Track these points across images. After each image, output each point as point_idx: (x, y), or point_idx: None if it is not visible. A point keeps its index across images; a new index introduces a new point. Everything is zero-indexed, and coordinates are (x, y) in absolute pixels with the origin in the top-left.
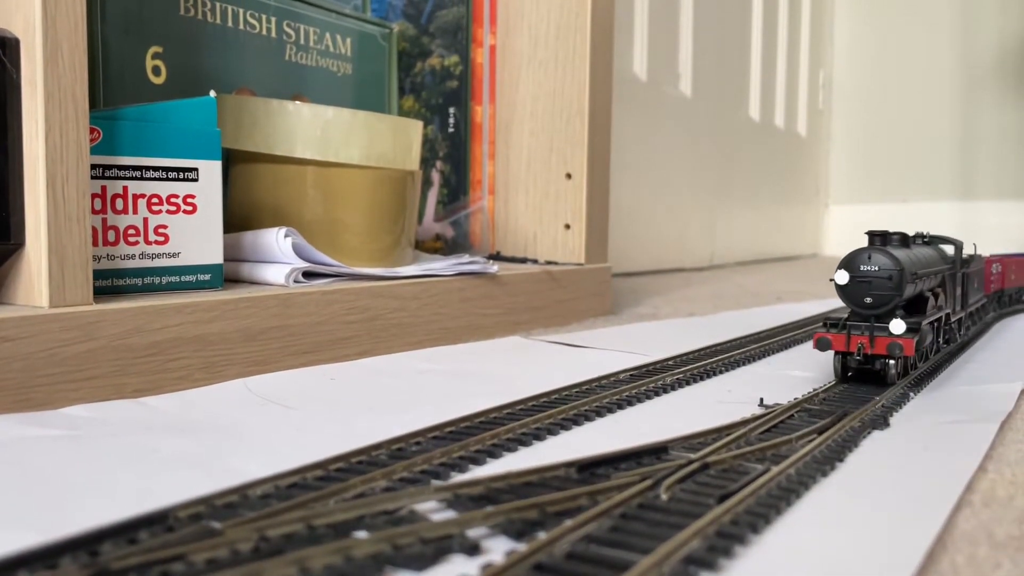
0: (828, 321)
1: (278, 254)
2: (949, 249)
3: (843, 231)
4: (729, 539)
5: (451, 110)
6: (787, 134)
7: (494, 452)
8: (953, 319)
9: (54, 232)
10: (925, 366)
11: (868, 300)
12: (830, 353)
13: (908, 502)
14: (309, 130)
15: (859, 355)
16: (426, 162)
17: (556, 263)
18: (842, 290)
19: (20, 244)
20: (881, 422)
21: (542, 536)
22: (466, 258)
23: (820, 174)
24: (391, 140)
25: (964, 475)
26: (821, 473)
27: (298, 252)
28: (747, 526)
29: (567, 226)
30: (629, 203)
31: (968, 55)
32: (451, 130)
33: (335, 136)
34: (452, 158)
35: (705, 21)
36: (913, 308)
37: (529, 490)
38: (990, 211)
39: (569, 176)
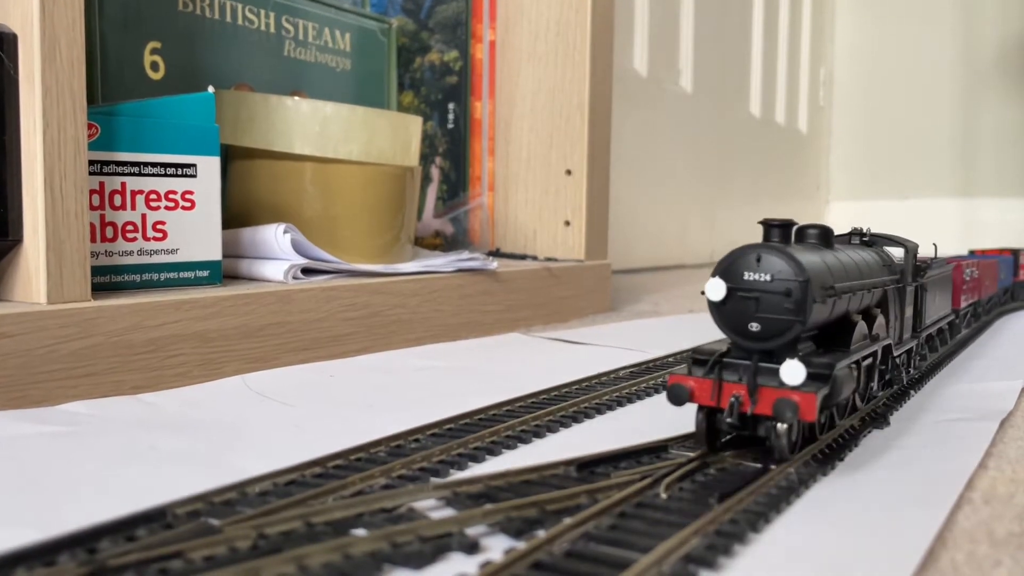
0: (697, 357)
1: (277, 250)
2: (899, 253)
3: (844, 228)
4: (729, 538)
5: (450, 106)
6: (788, 130)
7: (493, 450)
8: (897, 352)
9: (52, 228)
10: (849, 421)
11: (754, 327)
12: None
13: (908, 500)
14: (308, 126)
15: (731, 416)
16: (425, 158)
17: (556, 260)
18: (716, 310)
19: (18, 240)
20: (881, 420)
21: (541, 534)
22: (465, 255)
23: (821, 170)
24: (390, 136)
25: (964, 473)
26: (821, 472)
27: (297, 248)
28: (747, 525)
29: (567, 222)
30: (629, 199)
31: (969, 52)
32: (450, 126)
33: (334, 132)
34: (452, 154)
35: (706, 17)
36: (834, 337)
37: (528, 488)
38: (991, 208)
39: (569, 172)
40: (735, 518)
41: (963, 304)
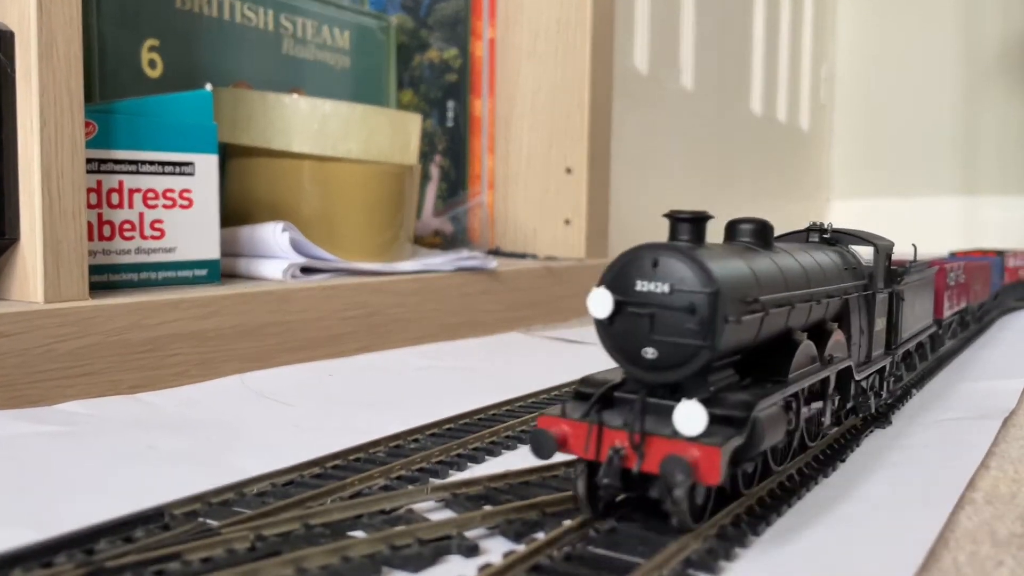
0: (581, 390)
1: (275, 249)
2: (866, 253)
3: (845, 226)
4: (729, 541)
5: (450, 104)
6: (789, 128)
7: (493, 450)
8: (862, 374)
9: (49, 227)
10: (790, 467)
11: (649, 354)
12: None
13: (910, 500)
14: (307, 124)
15: (609, 475)
16: (425, 156)
17: (556, 258)
18: (603, 330)
19: (15, 239)
20: (883, 420)
21: (541, 537)
22: (465, 253)
23: (822, 168)
24: (389, 134)
25: (966, 472)
26: (822, 474)
27: (295, 247)
28: (748, 528)
29: (567, 221)
30: (629, 198)
31: (972, 49)
32: (450, 124)
33: (333, 130)
34: (451, 152)
35: (707, 14)
36: (769, 362)
37: (528, 490)
38: (993, 206)
39: (569, 171)
40: (735, 521)
41: (947, 313)
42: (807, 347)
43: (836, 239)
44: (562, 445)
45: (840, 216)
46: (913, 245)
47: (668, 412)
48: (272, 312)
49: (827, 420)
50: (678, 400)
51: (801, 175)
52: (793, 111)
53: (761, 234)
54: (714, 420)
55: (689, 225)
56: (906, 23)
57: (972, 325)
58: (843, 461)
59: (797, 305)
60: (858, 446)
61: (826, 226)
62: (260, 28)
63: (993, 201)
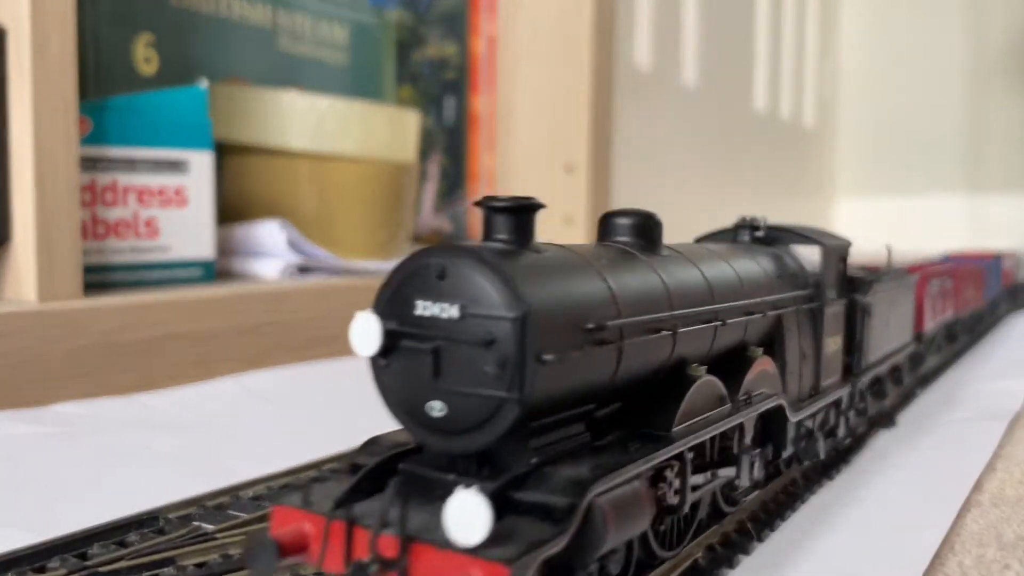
0: (356, 463)
1: (272, 248)
2: (812, 255)
3: (849, 225)
4: (732, 548)
5: (449, 101)
6: (793, 126)
7: None
8: (801, 413)
9: (42, 226)
10: (683, 554)
11: (436, 409)
12: None
13: (915, 502)
14: (303, 121)
15: None
16: (424, 154)
17: None
18: (377, 373)
19: (7, 239)
20: (888, 421)
21: None
22: None
23: (826, 167)
24: (387, 131)
25: (972, 474)
26: (826, 476)
27: (292, 246)
28: (751, 533)
29: (568, 220)
30: (631, 196)
31: (978, 46)
32: (449, 122)
33: (330, 127)
34: (450, 150)
35: (710, 11)
36: (648, 410)
37: None
38: (1000, 204)
39: (570, 169)
40: (739, 527)
41: (930, 326)
42: (707, 385)
43: (773, 238)
44: (295, 551)
45: (845, 215)
46: (887, 248)
47: (431, 502)
48: (269, 312)
49: (744, 482)
50: (484, 477)
51: (805, 173)
52: (797, 108)
53: (643, 232)
54: (524, 511)
55: (507, 218)
56: (911, 19)
57: (962, 337)
58: (847, 463)
59: (682, 330)
60: (862, 448)
61: (759, 222)
62: (256, 24)
63: (1002, 200)
